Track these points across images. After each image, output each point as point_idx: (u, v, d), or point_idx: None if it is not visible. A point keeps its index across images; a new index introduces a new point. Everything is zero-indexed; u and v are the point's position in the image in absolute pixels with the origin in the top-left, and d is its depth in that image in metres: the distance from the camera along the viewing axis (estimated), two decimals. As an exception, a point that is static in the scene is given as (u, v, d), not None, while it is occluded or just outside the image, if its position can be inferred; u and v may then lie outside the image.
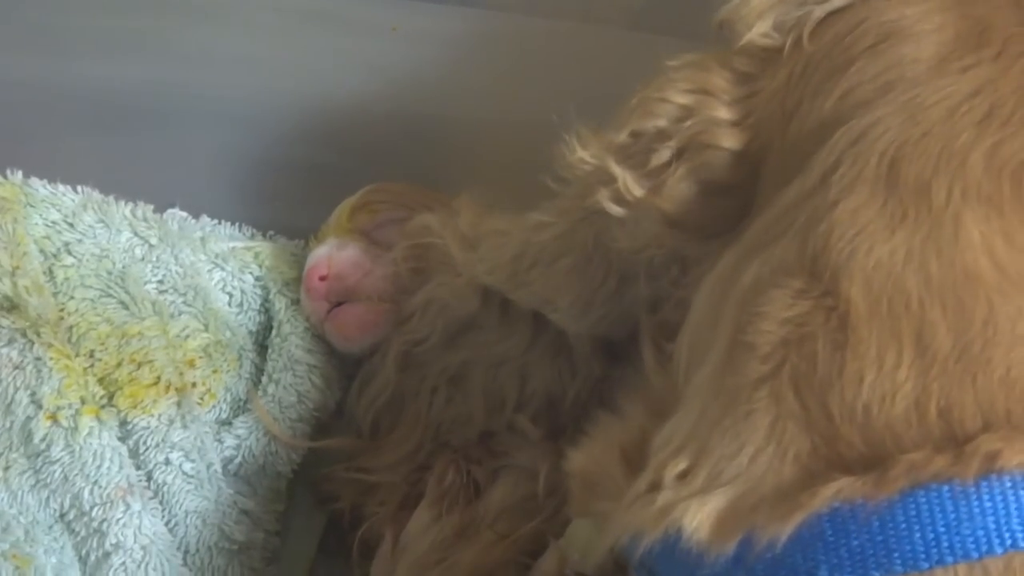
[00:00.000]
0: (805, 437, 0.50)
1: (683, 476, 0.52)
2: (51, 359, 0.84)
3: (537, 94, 1.00)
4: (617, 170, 0.65)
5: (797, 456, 0.50)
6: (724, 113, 0.62)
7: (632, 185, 0.64)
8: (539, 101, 1.00)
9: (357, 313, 0.90)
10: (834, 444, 0.50)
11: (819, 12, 0.61)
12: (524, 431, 0.80)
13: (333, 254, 0.91)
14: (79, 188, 0.96)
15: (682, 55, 0.65)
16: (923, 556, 0.47)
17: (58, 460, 0.82)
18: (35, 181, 0.96)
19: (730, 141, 0.62)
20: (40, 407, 0.83)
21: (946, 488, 0.47)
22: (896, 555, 0.47)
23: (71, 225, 0.94)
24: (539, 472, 0.76)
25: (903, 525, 0.47)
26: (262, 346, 0.94)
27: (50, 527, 0.82)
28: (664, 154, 0.63)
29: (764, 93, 0.62)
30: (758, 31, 0.62)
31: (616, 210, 0.65)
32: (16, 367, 0.84)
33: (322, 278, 0.91)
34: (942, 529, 0.47)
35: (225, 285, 0.95)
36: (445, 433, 0.84)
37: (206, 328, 0.91)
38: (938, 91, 0.55)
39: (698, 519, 0.50)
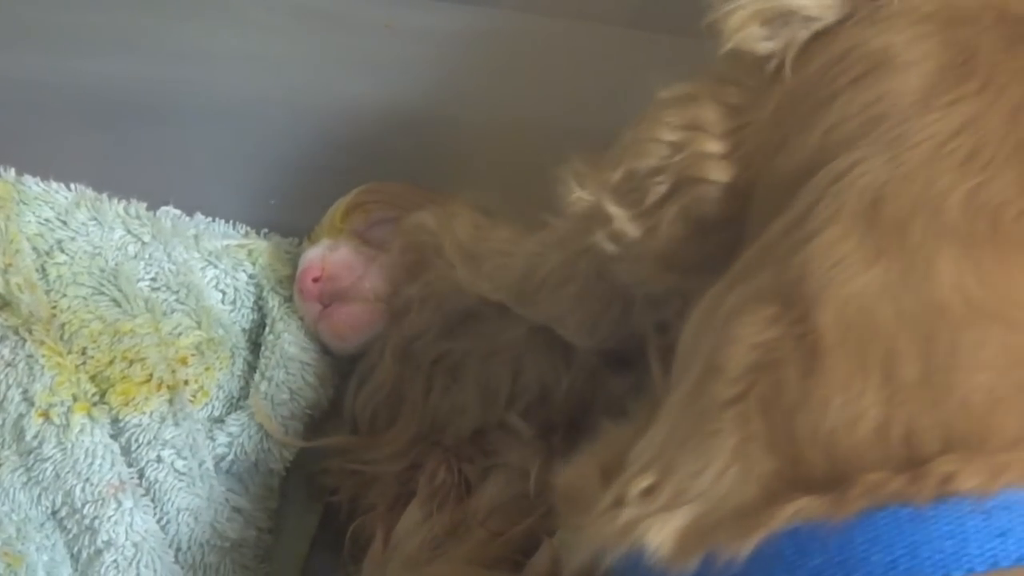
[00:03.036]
0: (769, 459, 0.51)
1: (648, 493, 0.53)
2: (43, 356, 0.84)
3: (533, 92, 1.01)
4: (613, 210, 0.65)
5: (760, 476, 0.51)
6: (714, 147, 0.63)
7: (627, 226, 0.65)
8: (535, 99, 1.01)
9: (351, 313, 0.90)
10: (797, 466, 0.50)
11: (804, 34, 0.61)
12: (516, 429, 0.80)
13: (326, 255, 0.91)
14: (72, 185, 0.96)
15: (674, 87, 0.66)
16: None
17: (50, 457, 0.82)
18: (28, 178, 0.96)
19: (719, 174, 0.63)
20: (32, 404, 0.83)
21: (904, 510, 0.47)
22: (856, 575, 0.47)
23: (64, 223, 0.94)
24: (530, 470, 0.76)
25: (862, 547, 0.47)
26: (255, 344, 0.94)
27: (42, 524, 0.82)
28: (659, 191, 0.64)
29: (754, 125, 0.62)
30: (745, 36, 0.62)
31: (613, 249, 0.66)
32: (8, 364, 0.84)
33: (315, 280, 0.90)
34: (901, 552, 0.47)
35: (218, 283, 0.95)
36: (441, 423, 0.84)
37: (199, 326, 0.91)
38: (923, 129, 0.55)
39: (660, 536, 0.51)
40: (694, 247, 0.64)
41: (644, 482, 0.53)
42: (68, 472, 0.81)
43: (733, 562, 0.49)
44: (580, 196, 0.67)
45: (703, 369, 0.55)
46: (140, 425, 0.84)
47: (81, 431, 0.82)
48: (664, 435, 0.55)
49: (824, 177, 0.56)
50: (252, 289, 0.95)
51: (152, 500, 0.83)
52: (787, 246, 0.55)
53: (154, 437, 0.84)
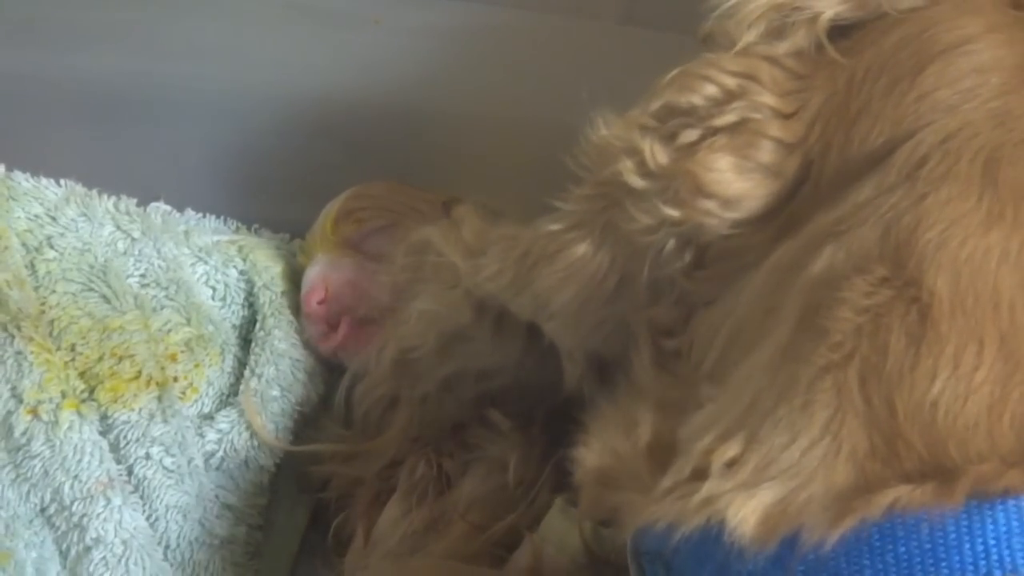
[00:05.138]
0: (864, 434, 0.48)
1: (731, 464, 0.50)
2: (32, 353, 0.84)
3: (523, 88, 1.00)
4: (644, 141, 0.62)
5: (852, 454, 0.48)
6: (773, 102, 0.60)
7: (659, 153, 0.61)
8: (525, 95, 1.01)
9: (363, 335, 0.89)
10: (893, 444, 0.48)
11: (828, 13, 0.60)
12: (495, 423, 0.80)
13: (328, 275, 0.91)
14: (62, 181, 0.96)
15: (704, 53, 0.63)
16: (971, 568, 0.45)
17: (39, 454, 0.81)
18: (18, 174, 0.96)
19: (783, 132, 0.59)
20: (21, 401, 0.83)
21: (1012, 503, 0.45)
22: (944, 564, 0.45)
23: (53, 219, 0.94)
24: (509, 462, 0.76)
25: (953, 536, 0.45)
26: (245, 340, 0.93)
27: (31, 521, 0.81)
28: (694, 133, 0.61)
29: (820, 92, 0.60)
30: (749, 40, 0.61)
31: (638, 182, 0.62)
32: (-4, 361, 0.84)
33: (320, 302, 0.90)
34: (992, 541, 0.45)
35: (208, 279, 0.95)
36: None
37: (188, 322, 0.91)
38: None
39: (742, 514, 0.48)
40: (733, 181, 0.60)
41: (728, 453, 0.50)
42: (57, 469, 0.81)
43: (819, 547, 0.47)
44: (606, 134, 0.63)
45: (794, 331, 0.52)
46: (129, 422, 0.84)
47: (70, 428, 0.82)
48: (745, 403, 0.52)
49: (927, 137, 0.53)
50: (242, 285, 0.95)
51: (141, 497, 0.83)
52: (891, 205, 0.52)
53: (143, 434, 0.84)
